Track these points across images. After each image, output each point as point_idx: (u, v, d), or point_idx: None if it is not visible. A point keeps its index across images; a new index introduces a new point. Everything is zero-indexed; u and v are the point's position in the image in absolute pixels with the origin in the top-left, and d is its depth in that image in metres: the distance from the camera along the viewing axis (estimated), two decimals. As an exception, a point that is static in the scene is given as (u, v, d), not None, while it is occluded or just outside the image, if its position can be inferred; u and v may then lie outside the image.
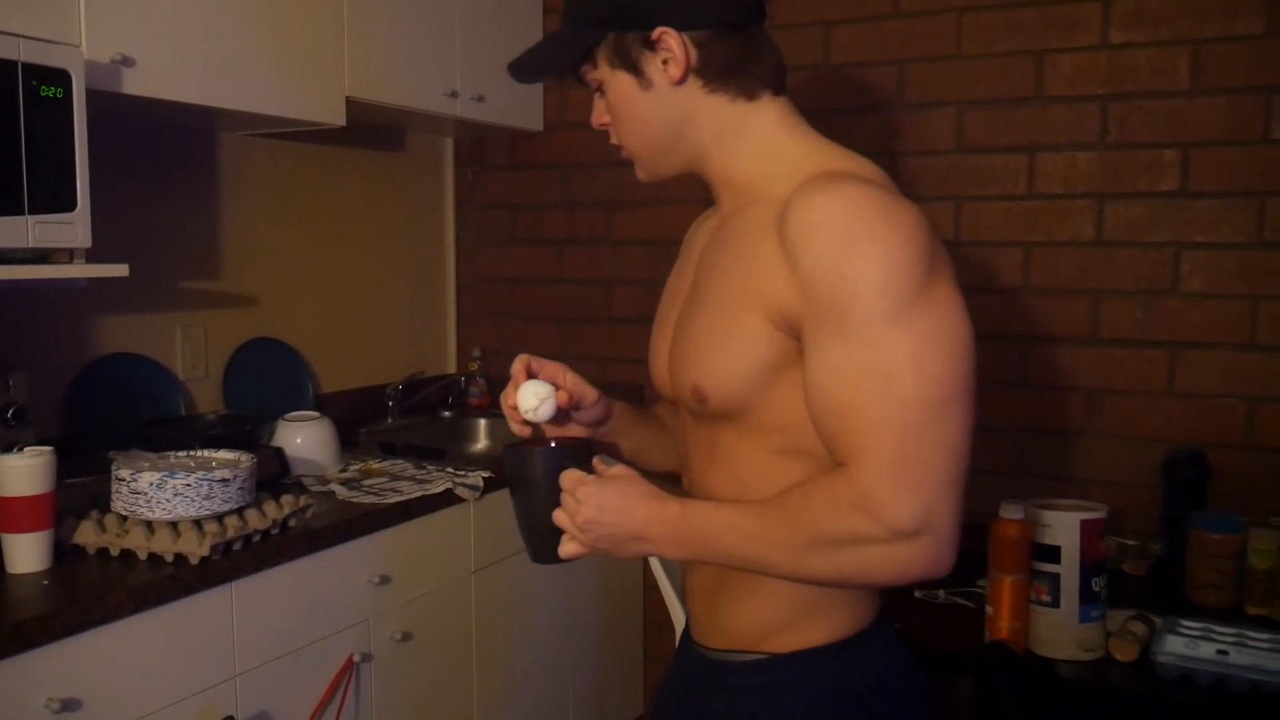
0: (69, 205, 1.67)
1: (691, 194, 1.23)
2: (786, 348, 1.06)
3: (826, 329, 1.01)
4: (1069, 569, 1.70)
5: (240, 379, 2.49)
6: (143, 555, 1.65)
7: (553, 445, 1.21)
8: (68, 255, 1.75)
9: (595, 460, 1.16)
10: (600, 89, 1.17)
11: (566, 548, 1.12)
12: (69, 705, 1.44)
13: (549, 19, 2.99)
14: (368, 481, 2.17)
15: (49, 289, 2.02)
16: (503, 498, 2.30)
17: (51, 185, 1.64)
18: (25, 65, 1.60)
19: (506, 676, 2.39)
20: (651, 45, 1.12)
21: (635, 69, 1.13)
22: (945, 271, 1.04)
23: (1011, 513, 1.74)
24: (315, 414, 2.29)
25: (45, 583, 1.55)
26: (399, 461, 2.36)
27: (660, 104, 1.14)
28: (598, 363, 2.98)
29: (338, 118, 2.29)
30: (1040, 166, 2.42)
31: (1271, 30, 2.19)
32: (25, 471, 1.57)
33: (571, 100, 3.00)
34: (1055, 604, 1.71)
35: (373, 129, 2.86)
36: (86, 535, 1.68)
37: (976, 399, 1.03)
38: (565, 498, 1.11)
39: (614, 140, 1.21)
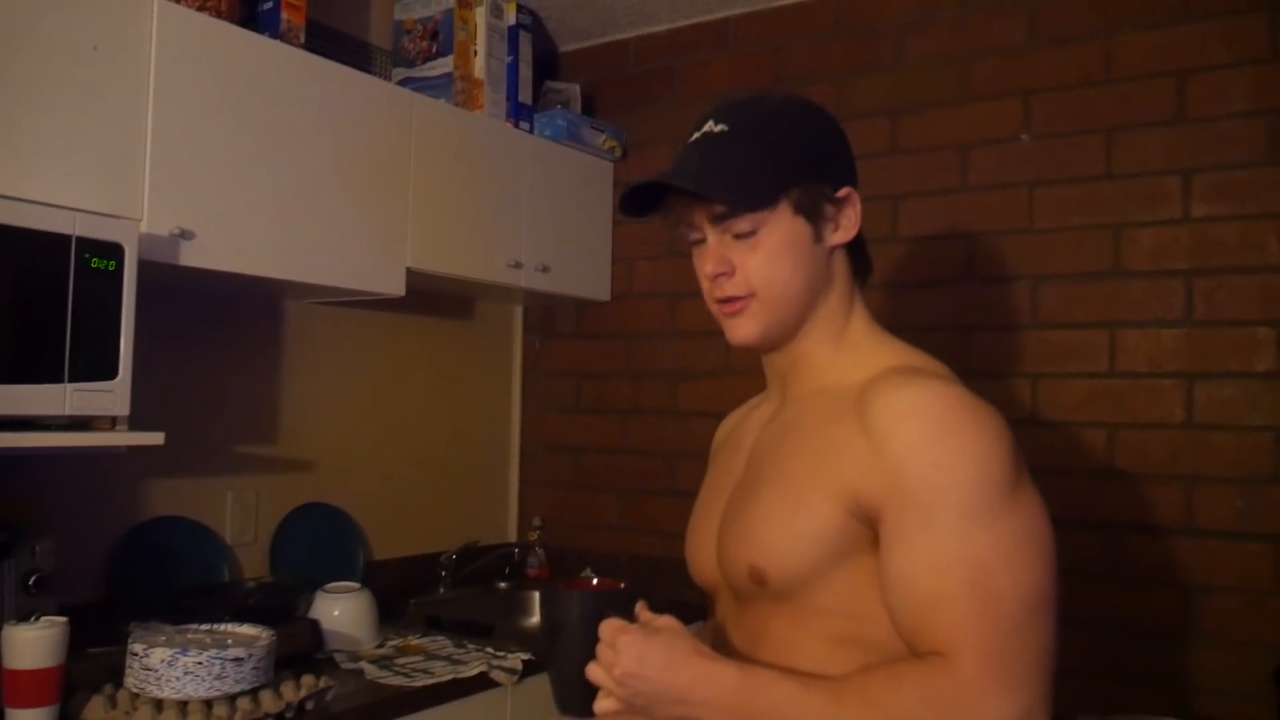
0: (110, 374, 1.69)
1: (757, 366, 1.20)
2: (857, 534, 1.03)
3: (914, 519, 0.99)
4: (1156, 801, 1.49)
5: (289, 544, 2.45)
6: (146, 737, 1.58)
7: (594, 586, 1.16)
8: (109, 422, 1.77)
9: (639, 607, 1.08)
10: (751, 233, 1.10)
11: (602, 703, 1.03)
12: None
13: (618, 192, 3.03)
14: (401, 660, 2.08)
15: (94, 454, 2.04)
16: (544, 681, 2.17)
17: (94, 354, 1.66)
18: (79, 239, 1.65)
19: None
20: (838, 202, 1.13)
21: (819, 219, 1.12)
22: (1028, 477, 1.03)
23: (1088, 730, 1.56)
24: (355, 585, 2.23)
25: (41, 764, 1.49)
26: (440, 638, 2.27)
27: (818, 260, 1.13)
28: (660, 537, 2.88)
29: (397, 288, 2.32)
30: (1122, 343, 2.29)
31: (1369, 204, 2.07)
32: (33, 643, 1.53)
33: (639, 271, 3.00)
34: (1142, 842, 1.49)
35: (442, 297, 2.89)
36: (95, 712, 1.63)
37: (1059, 609, 1.00)
38: (603, 648, 1.02)
39: (731, 293, 1.13)
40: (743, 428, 1.28)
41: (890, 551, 1.01)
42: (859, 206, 1.15)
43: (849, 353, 1.15)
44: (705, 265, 1.14)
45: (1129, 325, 2.29)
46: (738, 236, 1.11)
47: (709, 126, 1.14)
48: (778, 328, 1.15)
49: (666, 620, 1.05)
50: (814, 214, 1.12)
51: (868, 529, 1.03)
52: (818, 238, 1.13)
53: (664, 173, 1.12)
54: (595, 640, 1.04)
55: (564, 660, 1.07)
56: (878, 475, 1.01)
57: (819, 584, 1.05)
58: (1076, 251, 2.36)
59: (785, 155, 1.10)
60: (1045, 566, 0.99)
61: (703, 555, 1.23)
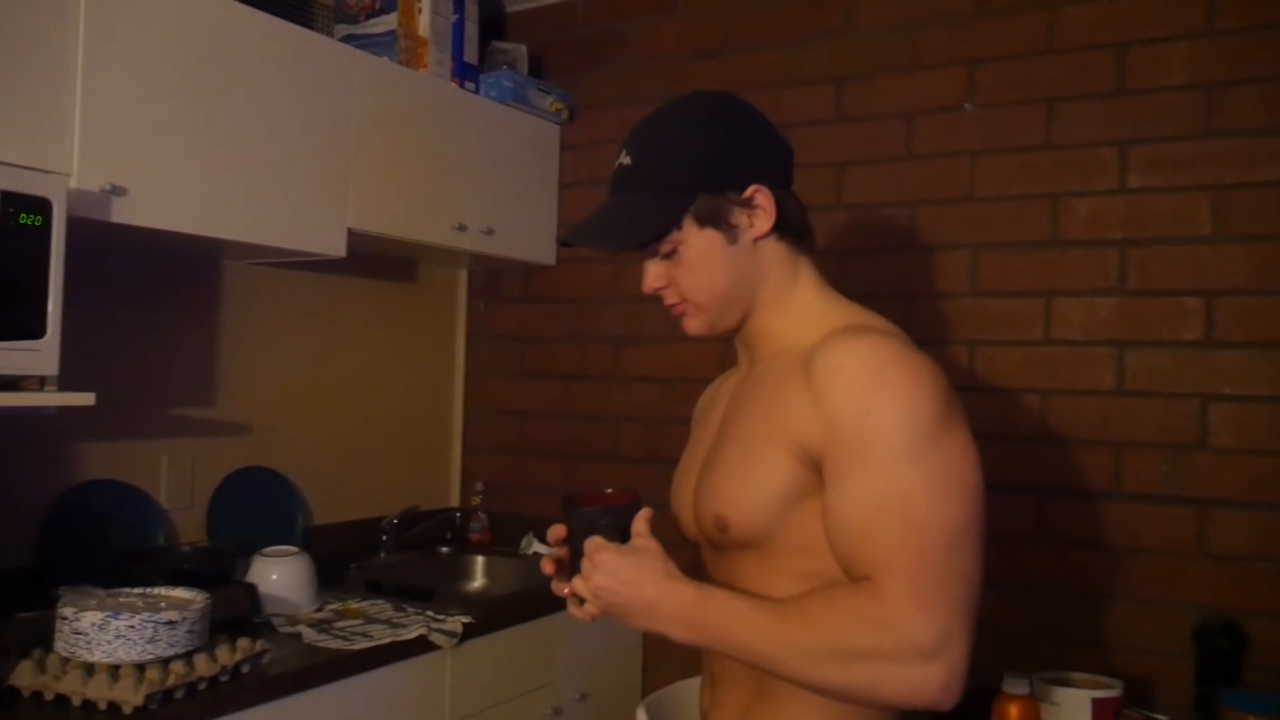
0: (37, 332, 1.64)
1: None
2: (806, 479, 1.12)
3: (846, 461, 1.08)
4: (1078, 755, 1.54)
5: (227, 509, 2.42)
6: (77, 701, 1.56)
7: (605, 497, 1.26)
8: (38, 382, 1.73)
9: (641, 519, 1.19)
10: (672, 251, 1.22)
11: (585, 609, 1.18)
12: None
13: (565, 154, 3.01)
14: (340, 624, 2.07)
15: (22, 414, 1.99)
16: (484, 644, 2.19)
17: (20, 312, 1.62)
18: (4, 194, 1.60)
19: (482, 841, 2.22)
20: (744, 203, 1.20)
21: (726, 225, 1.20)
22: (960, 421, 1.11)
23: (1015, 687, 1.60)
24: (294, 549, 2.21)
25: (-33, 729, 1.47)
26: (380, 601, 2.26)
27: (740, 258, 1.22)
28: (603, 501, 2.88)
29: (338, 249, 2.28)
30: (1057, 311, 2.33)
31: (1296, 178, 2.12)
32: (-41, 608, 1.50)
33: (585, 235, 2.98)
34: (1064, 794, 1.54)
35: (385, 260, 2.86)
36: (24, 677, 1.60)
37: (985, 543, 1.08)
38: (584, 562, 1.16)
39: (672, 299, 1.26)
40: (719, 393, 1.38)
41: (829, 492, 1.10)
42: (770, 199, 1.21)
43: (802, 319, 1.23)
44: (644, 284, 1.27)
45: (1064, 294, 2.33)
46: (662, 257, 1.23)
47: (621, 157, 1.25)
48: (721, 320, 1.26)
49: (645, 542, 1.16)
50: (719, 222, 1.20)
51: (815, 474, 1.12)
52: (732, 240, 1.21)
53: (571, 231, 1.27)
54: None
55: (571, 566, 1.21)
56: (818, 424, 1.10)
57: (778, 527, 1.15)
58: (1016, 220, 2.39)
59: (680, 179, 1.20)
60: (969, 502, 1.07)
61: (684, 511, 1.32)
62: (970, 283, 2.43)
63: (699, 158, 1.20)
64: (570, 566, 1.21)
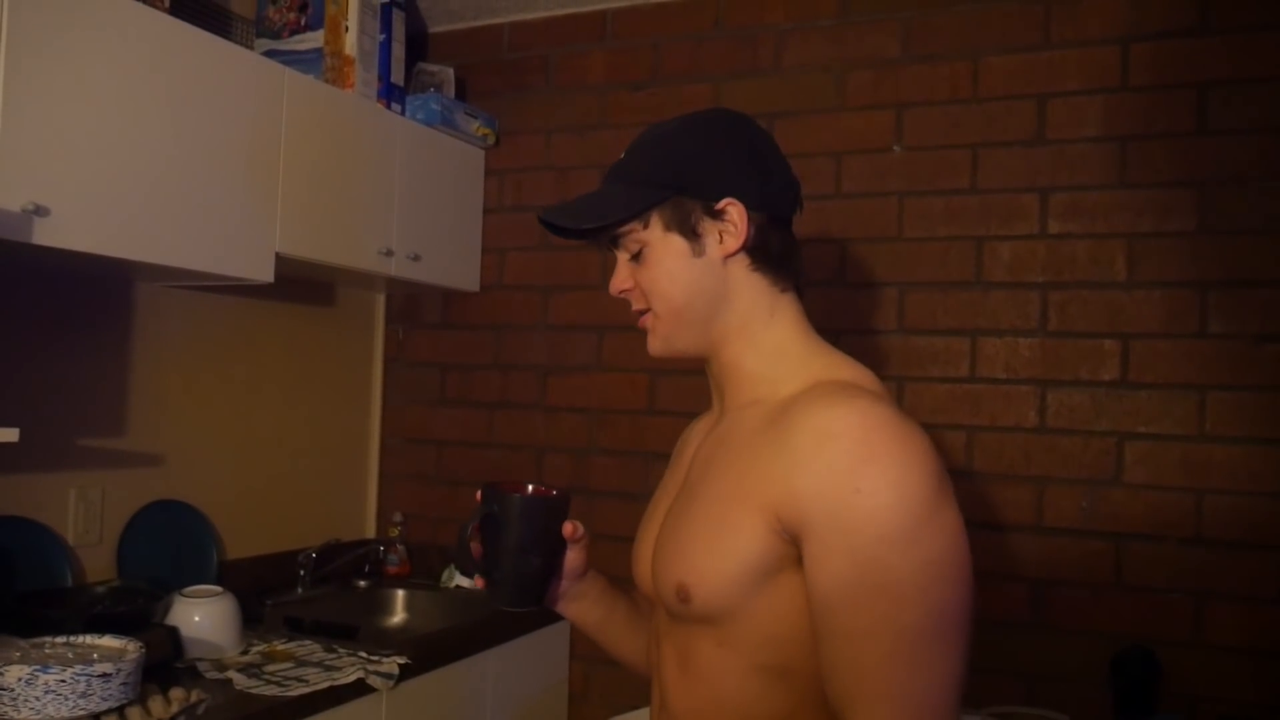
0: (-42, 363, 1.53)
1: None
2: (782, 553, 1.02)
3: (834, 542, 0.98)
4: (1032, 790, 1.59)
5: (138, 544, 2.29)
6: (0, 764, 1.45)
7: (532, 491, 1.20)
8: (-49, 415, 1.60)
9: (567, 524, 1.17)
10: (639, 253, 1.15)
11: None
12: None
13: (489, 180, 2.97)
14: (270, 667, 1.97)
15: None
16: (418, 684, 2.12)
17: (-60, 341, 1.50)
18: (-75, 213, 1.48)
19: None
20: (715, 214, 1.12)
21: (692, 234, 1.12)
22: (950, 499, 1.01)
23: (969, 724, 1.64)
24: (217, 589, 2.10)
25: (-122, 800, 1.34)
26: (306, 642, 2.17)
27: (705, 274, 1.13)
28: (525, 532, 2.84)
29: (265, 274, 2.19)
30: (982, 350, 2.41)
31: (1204, 227, 2.24)
32: None
33: (510, 263, 2.95)
34: (1018, 828, 1.59)
35: (301, 283, 2.76)
36: (-64, 738, 1.47)
37: (973, 630, 1.01)
38: None
39: (637, 307, 1.19)
40: (690, 437, 1.28)
41: (813, 572, 1.00)
42: (743, 216, 1.12)
43: (779, 364, 1.14)
44: (611, 284, 1.20)
45: (988, 333, 2.41)
46: (632, 257, 1.17)
47: (622, 154, 1.20)
48: (681, 340, 1.16)
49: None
50: (684, 229, 1.13)
51: (791, 547, 1.02)
52: (697, 252, 1.13)
53: (545, 210, 1.19)
54: (532, 538, 1.14)
55: (501, 556, 1.14)
56: (799, 495, 1.00)
57: (747, 605, 1.04)
58: (942, 261, 2.46)
59: (656, 176, 1.14)
60: (959, 589, 0.99)
61: (642, 566, 1.22)
62: (898, 320, 2.49)
63: (681, 160, 1.14)
64: (511, 557, 1.14)
